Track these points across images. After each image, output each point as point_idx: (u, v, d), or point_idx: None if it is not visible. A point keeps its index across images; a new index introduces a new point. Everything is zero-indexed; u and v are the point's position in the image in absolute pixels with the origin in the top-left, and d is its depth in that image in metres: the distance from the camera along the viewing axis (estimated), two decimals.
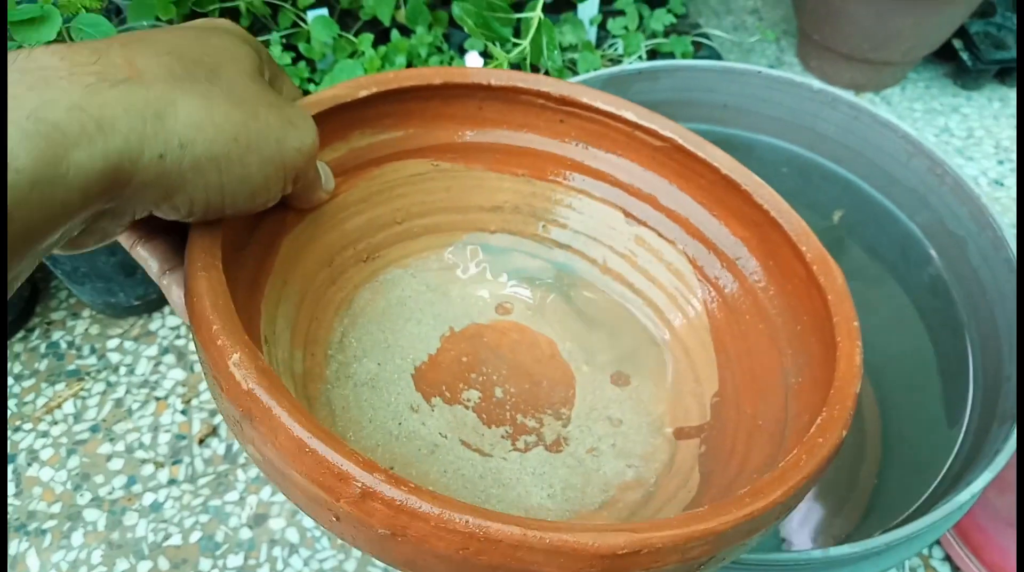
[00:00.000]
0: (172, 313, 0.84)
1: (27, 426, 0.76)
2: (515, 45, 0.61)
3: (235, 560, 0.67)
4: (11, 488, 0.71)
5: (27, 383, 0.79)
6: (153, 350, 0.81)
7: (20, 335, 0.82)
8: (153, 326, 0.83)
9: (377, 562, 0.67)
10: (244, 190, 0.28)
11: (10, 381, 0.79)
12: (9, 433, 0.75)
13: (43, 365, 0.80)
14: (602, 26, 0.92)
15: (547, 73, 0.78)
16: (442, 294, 0.43)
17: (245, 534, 0.68)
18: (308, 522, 0.69)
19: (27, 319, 0.84)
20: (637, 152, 0.42)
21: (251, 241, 0.34)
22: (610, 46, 0.91)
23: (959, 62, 1.05)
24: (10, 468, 0.73)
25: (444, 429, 0.38)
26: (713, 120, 0.59)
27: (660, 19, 0.89)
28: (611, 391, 0.41)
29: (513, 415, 0.39)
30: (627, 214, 0.43)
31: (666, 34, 0.95)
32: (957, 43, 1.04)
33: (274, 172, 0.28)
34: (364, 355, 0.39)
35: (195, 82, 0.26)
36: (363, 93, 0.38)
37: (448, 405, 0.39)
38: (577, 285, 0.44)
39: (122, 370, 0.79)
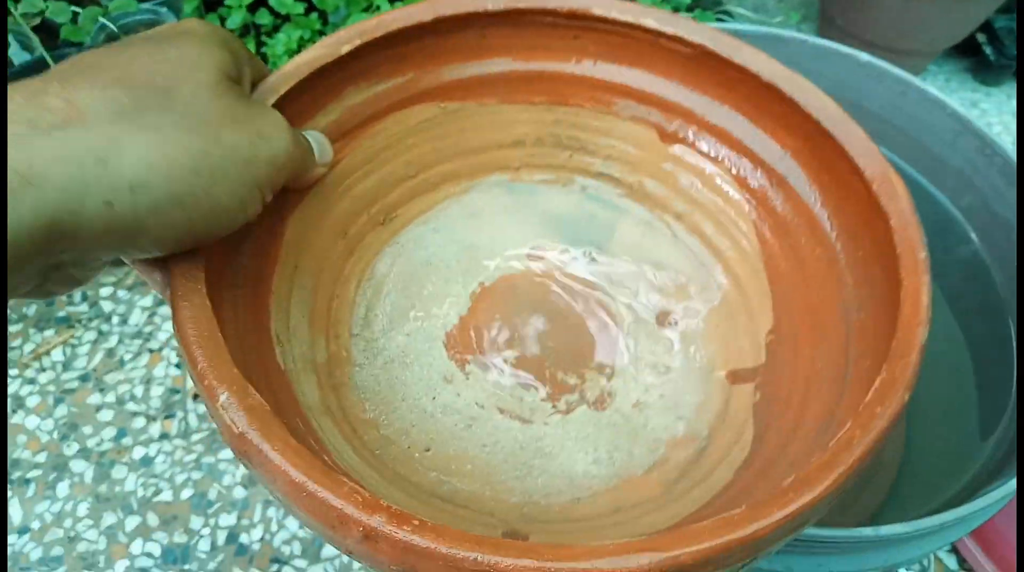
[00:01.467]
0: None
1: (13, 372, 0.73)
2: None
3: (227, 519, 0.65)
4: None
5: (14, 328, 0.75)
6: (148, 301, 0.78)
7: None
8: None
9: None
10: (218, 220, 0.25)
11: None
12: None
13: (31, 310, 0.77)
14: None
15: None
16: (468, 247, 0.40)
17: (239, 493, 0.66)
18: None
19: None
20: (665, 63, 0.37)
21: (249, 235, 0.31)
22: None
23: (981, 56, 1.04)
24: None
25: (481, 398, 0.36)
26: None
27: None
28: (657, 334, 0.38)
29: (553, 373, 0.37)
30: (661, 132, 0.39)
31: (689, 8, 0.92)
32: (981, 37, 1.02)
33: (248, 193, 0.26)
34: (391, 328, 0.37)
35: (145, 113, 0.23)
36: (346, 48, 0.34)
37: (483, 371, 0.37)
38: (613, 217, 0.40)
39: (115, 320, 0.76)
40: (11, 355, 0.73)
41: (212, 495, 0.66)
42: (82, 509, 0.65)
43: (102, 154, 0.22)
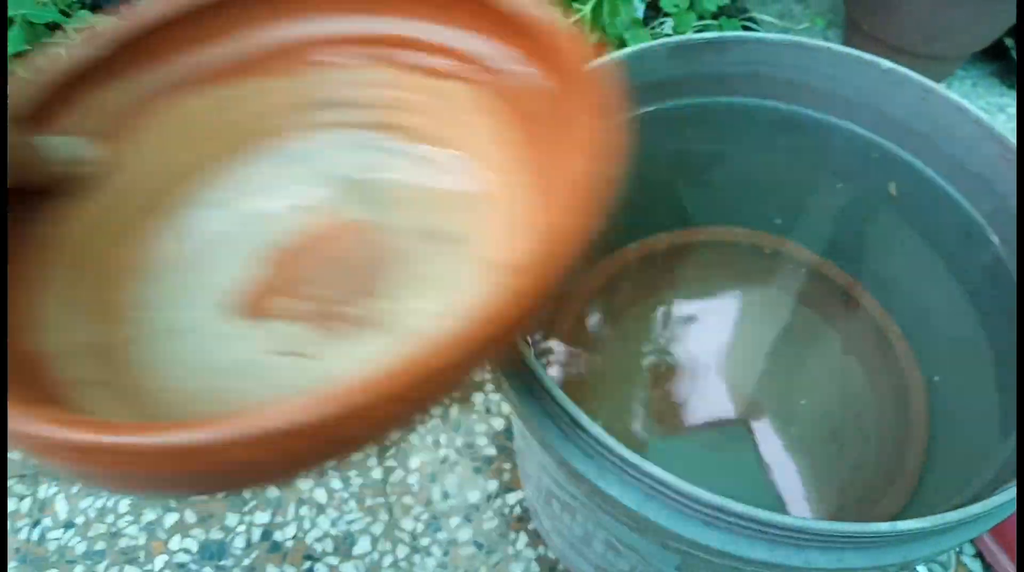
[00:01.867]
0: None
1: None
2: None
3: (262, 517, 0.67)
4: None
5: None
6: None
7: None
8: None
9: (404, 524, 0.66)
10: None
11: None
12: None
13: None
14: (651, 6, 0.91)
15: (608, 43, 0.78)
16: (240, 217, 0.42)
17: (273, 492, 0.68)
18: (336, 484, 0.69)
19: None
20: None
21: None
22: (659, 24, 0.89)
23: (1007, 60, 1.03)
24: None
25: (270, 348, 0.38)
26: (776, 96, 0.58)
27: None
28: (430, 251, 0.40)
29: (338, 309, 0.39)
30: (398, 66, 0.42)
31: (714, 16, 0.94)
32: (1008, 41, 1.02)
33: None
34: (170, 305, 0.39)
35: None
36: (93, 51, 0.37)
37: (268, 322, 0.39)
38: (376, 161, 0.43)
39: None
40: None
41: (247, 493, 0.68)
42: (123, 506, 0.67)
43: None
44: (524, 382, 0.41)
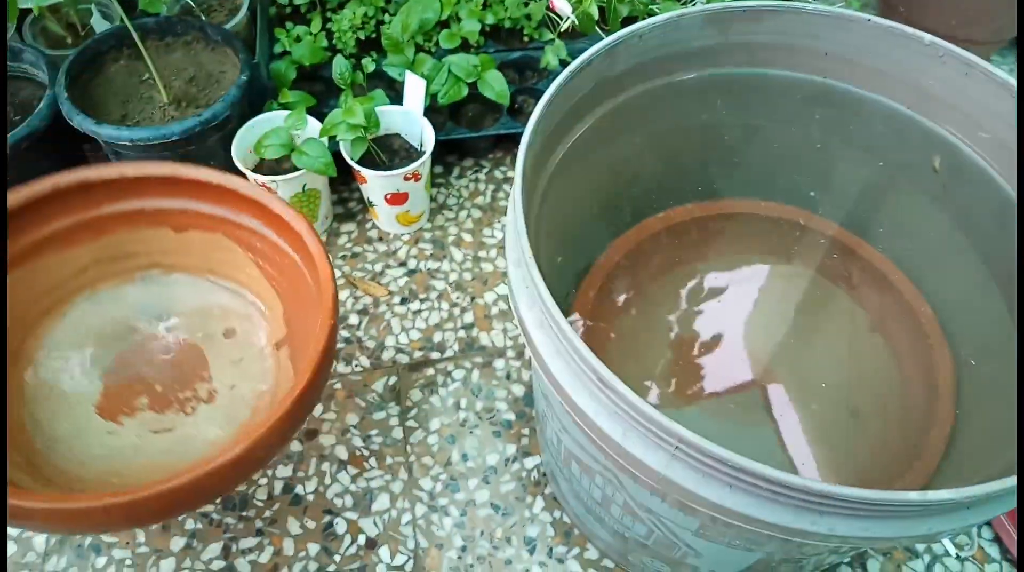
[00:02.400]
0: None
1: None
2: None
3: (284, 471, 0.68)
4: None
5: None
6: None
7: None
8: None
9: (423, 484, 0.67)
10: None
11: None
12: None
13: None
14: None
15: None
16: (87, 344, 0.62)
17: (295, 447, 0.69)
18: (357, 441, 0.69)
19: None
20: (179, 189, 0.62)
21: None
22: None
23: None
24: None
25: (146, 430, 0.59)
26: (812, 69, 0.58)
27: None
28: (226, 346, 0.63)
29: (176, 396, 0.61)
30: (175, 226, 0.63)
31: None
32: None
33: None
34: (57, 420, 0.58)
35: None
36: None
37: (131, 416, 0.59)
38: (164, 291, 0.65)
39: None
40: None
41: None
42: None
43: None
44: (552, 342, 0.41)
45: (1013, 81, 0.50)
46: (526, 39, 0.93)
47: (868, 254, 0.64)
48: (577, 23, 0.82)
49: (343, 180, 0.87)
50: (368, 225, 0.85)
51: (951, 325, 0.58)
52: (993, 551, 0.67)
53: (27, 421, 0.56)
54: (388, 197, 0.78)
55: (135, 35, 0.71)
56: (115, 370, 0.61)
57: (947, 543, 0.67)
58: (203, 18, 0.87)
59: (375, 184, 0.77)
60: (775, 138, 0.63)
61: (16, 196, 0.55)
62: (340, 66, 0.80)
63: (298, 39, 0.87)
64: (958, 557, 0.66)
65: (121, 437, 0.57)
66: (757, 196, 0.67)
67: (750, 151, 0.65)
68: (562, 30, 0.90)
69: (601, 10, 0.83)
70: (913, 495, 0.34)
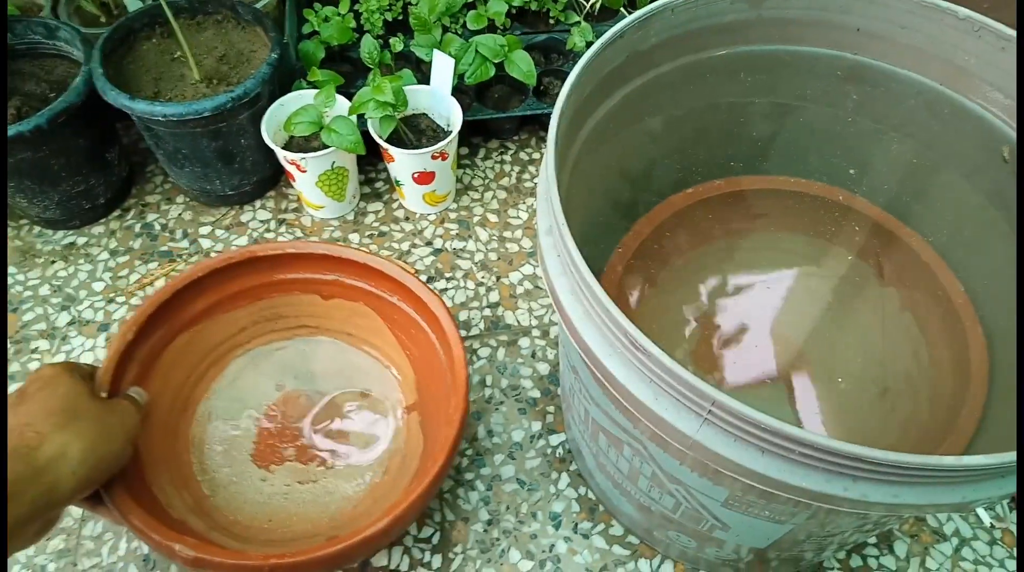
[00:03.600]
0: (264, 207, 0.86)
1: (120, 299, 0.78)
2: None
3: None
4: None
5: (121, 259, 0.81)
6: (243, 240, 0.82)
7: (116, 214, 0.84)
8: (244, 218, 0.84)
9: None
10: (116, 465, 0.50)
11: (105, 256, 0.81)
12: (104, 305, 0.77)
13: (137, 244, 0.82)
14: None
15: None
16: (240, 398, 0.67)
17: None
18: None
19: (123, 199, 0.86)
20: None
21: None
22: None
23: None
24: (103, 336, 0.75)
25: (293, 480, 0.64)
26: (843, 45, 0.57)
27: None
28: (362, 405, 0.68)
29: (317, 450, 0.66)
30: (324, 295, 0.69)
31: None
32: None
33: (123, 449, 0.50)
34: (219, 466, 0.64)
35: (69, 425, 0.46)
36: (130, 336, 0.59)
37: (279, 466, 0.65)
38: (309, 349, 0.71)
39: (213, 255, 0.81)
40: (118, 284, 0.79)
41: None
42: None
43: (61, 452, 0.45)
44: (583, 307, 0.41)
45: None
46: (552, 21, 0.93)
47: (902, 233, 0.63)
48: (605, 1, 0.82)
49: (370, 160, 0.88)
50: (395, 205, 0.86)
51: (985, 307, 0.58)
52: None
53: (195, 467, 0.63)
54: (415, 176, 0.79)
55: (168, 13, 0.72)
56: (266, 423, 0.66)
57: (980, 516, 0.66)
58: None
59: (403, 162, 0.77)
60: (805, 116, 0.63)
61: (197, 267, 0.63)
62: (368, 46, 0.81)
63: (327, 19, 0.87)
64: (990, 537, 0.66)
65: (272, 485, 0.63)
66: (789, 173, 0.67)
67: (782, 128, 0.64)
68: (588, 12, 0.90)
69: None
70: (948, 460, 0.34)
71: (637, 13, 0.52)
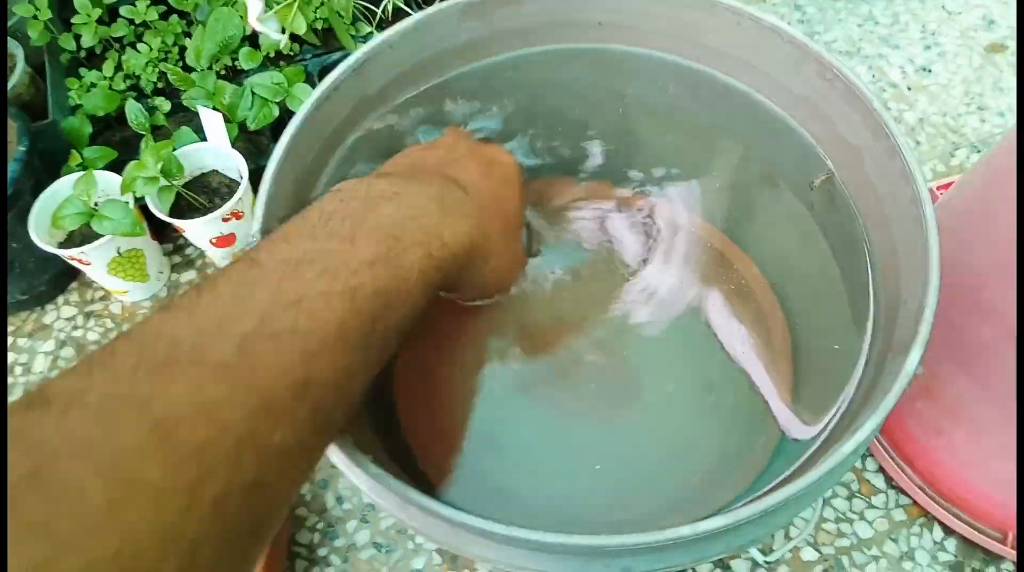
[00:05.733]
0: (67, 302, 0.79)
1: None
2: None
3: None
4: None
5: None
6: (50, 345, 0.76)
7: None
8: (48, 319, 0.78)
9: (300, 536, 0.64)
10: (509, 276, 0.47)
11: None
12: None
13: None
14: None
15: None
16: None
17: None
18: None
19: None
20: None
21: None
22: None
23: None
24: None
25: None
26: (589, 39, 0.54)
27: None
28: None
29: None
30: None
31: None
32: None
33: (513, 270, 0.48)
34: None
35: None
36: None
37: None
38: None
39: (18, 370, 0.75)
40: None
41: None
42: None
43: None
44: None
45: (781, 24, 0.47)
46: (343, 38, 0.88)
47: (692, 224, 0.61)
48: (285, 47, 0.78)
49: (174, 227, 0.82)
50: (210, 269, 0.81)
51: (778, 281, 0.56)
52: (879, 481, 0.66)
53: None
54: (214, 241, 0.74)
55: None
56: None
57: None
58: None
59: (194, 233, 0.72)
60: (573, 114, 0.60)
61: None
62: (133, 111, 0.75)
63: (92, 87, 0.80)
64: (848, 492, 0.66)
65: None
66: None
67: (560, 131, 0.61)
68: (380, 19, 0.85)
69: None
70: (685, 529, 0.32)
71: (349, 60, 0.48)
